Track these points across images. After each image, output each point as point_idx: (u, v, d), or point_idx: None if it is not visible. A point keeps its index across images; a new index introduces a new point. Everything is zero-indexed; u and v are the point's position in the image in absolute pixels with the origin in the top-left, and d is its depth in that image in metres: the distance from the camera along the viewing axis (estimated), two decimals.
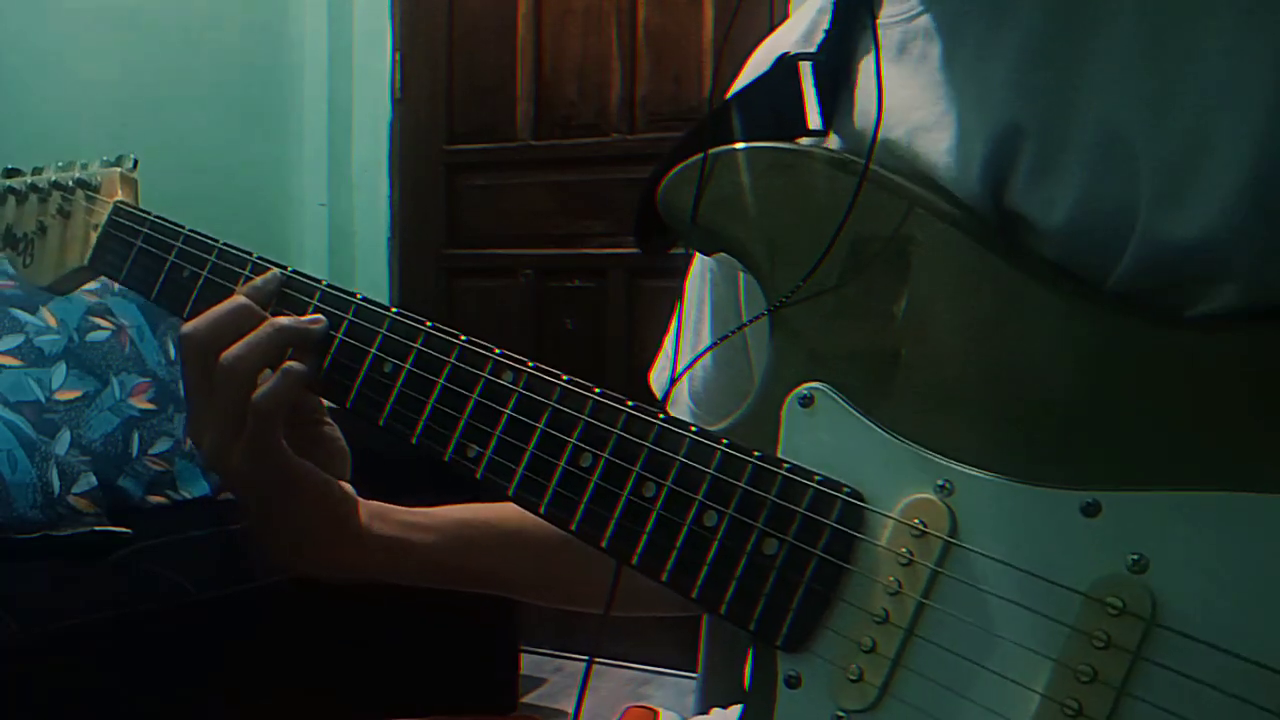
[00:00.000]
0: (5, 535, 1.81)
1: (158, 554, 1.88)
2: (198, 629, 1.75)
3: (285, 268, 0.73)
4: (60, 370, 2.15)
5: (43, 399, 2.08)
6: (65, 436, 2.06)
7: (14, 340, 2.12)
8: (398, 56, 3.13)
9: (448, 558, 0.76)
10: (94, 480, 1.96)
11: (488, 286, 3.07)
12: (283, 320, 0.68)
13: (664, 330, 0.81)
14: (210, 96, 2.88)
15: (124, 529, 1.95)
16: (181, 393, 2.32)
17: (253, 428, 0.66)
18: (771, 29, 0.78)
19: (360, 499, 0.74)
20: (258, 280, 0.71)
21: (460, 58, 3.07)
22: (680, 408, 0.80)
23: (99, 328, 2.25)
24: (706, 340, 0.79)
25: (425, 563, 0.76)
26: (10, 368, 2.08)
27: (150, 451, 2.22)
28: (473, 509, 0.79)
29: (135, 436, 2.20)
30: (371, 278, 3.18)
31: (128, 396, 2.23)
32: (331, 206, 3.17)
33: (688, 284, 0.81)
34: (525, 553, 0.77)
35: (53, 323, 2.17)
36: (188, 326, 0.68)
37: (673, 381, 0.79)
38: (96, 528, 1.92)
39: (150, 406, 2.26)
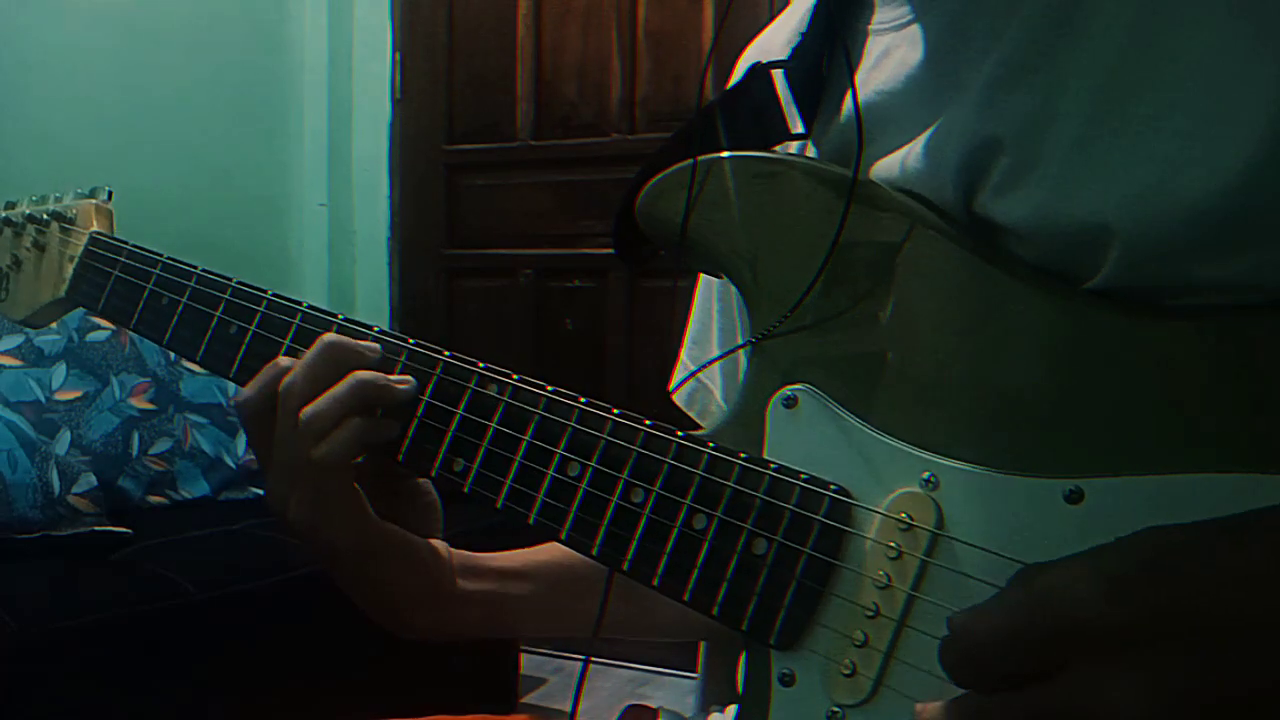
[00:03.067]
0: (5, 535, 1.81)
1: (158, 554, 1.88)
2: (198, 629, 1.75)
3: (264, 291, 0.71)
4: (60, 370, 2.16)
5: (43, 399, 2.09)
6: (65, 436, 2.06)
7: (14, 340, 2.12)
8: (398, 56, 3.13)
9: (548, 605, 0.73)
10: (94, 480, 1.97)
11: (488, 286, 3.07)
12: (363, 375, 0.63)
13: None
14: (210, 97, 2.88)
15: (124, 529, 1.95)
16: (182, 393, 2.33)
17: (319, 487, 0.63)
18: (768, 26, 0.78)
19: (453, 550, 0.71)
20: (361, 345, 0.65)
21: (460, 58, 3.07)
22: (715, 416, 0.79)
23: (99, 328, 2.25)
24: (732, 343, 0.79)
25: (525, 613, 0.73)
26: (10, 368, 2.08)
27: (150, 451, 2.22)
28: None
29: (135, 436, 2.20)
30: (371, 278, 3.18)
31: (128, 396, 2.23)
32: (331, 206, 3.18)
33: (699, 288, 0.81)
34: (630, 587, 0.74)
35: (53, 323, 2.17)
36: (245, 390, 0.65)
37: (681, 383, 0.78)
38: (96, 528, 1.92)
39: (150, 406, 2.26)
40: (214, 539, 2.04)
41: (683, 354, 0.82)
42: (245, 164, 3.00)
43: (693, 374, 0.80)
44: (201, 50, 2.85)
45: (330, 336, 0.64)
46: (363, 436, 0.63)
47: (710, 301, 0.80)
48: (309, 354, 0.64)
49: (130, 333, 2.28)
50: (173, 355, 2.38)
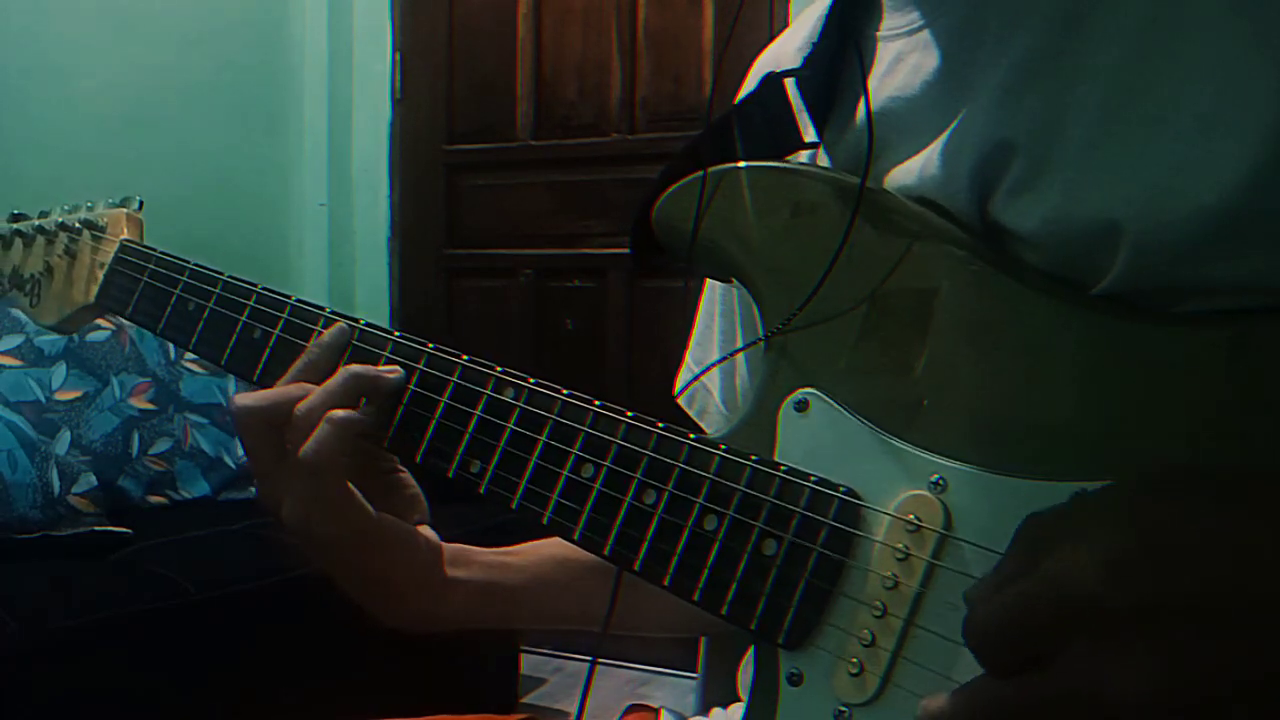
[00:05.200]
0: (5, 535, 1.81)
1: (158, 554, 1.88)
2: (198, 629, 1.75)
3: (289, 296, 0.72)
4: (60, 370, 2.15)
5: (43, 399, 2.09)
6: (65, 436, 2.06)
7: (14, 340, 2.12)
8: (398, 56, 3.13)
9: (537, 597, 0.75)
10: (94, 480, 1.97)
11: (488, 286, 3.07)
12: (355, 367, 0.66)
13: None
14: (210, 97, 2.88)
15: (124, 529, 1.95)
16: (182, 393, 2.33)
17: (315, 482, 0.64)
18: (770, 31, 0.79)
19: (443, 544, 0.73)
20: (325, 337, 0.68)
21: (460, 58, 3.07)
22: (713, 415, 0.81)
23: (99, 328, 2.25)
24: (732, 345, 0.79)
25: (515, 605, 0.74)
26: (10, 368, 2.08)
27: (150, 451, 2.22)
28: (556, 543, 0.76)
29: (135, 436, 2.20)
30: (371, 278, 3.18)
31: (128, 396, 2.23)
32: (331, 206, 3.18)
33: (705, 292, 0.82)
34: (627, 584, 0.73)
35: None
36: (249, 398, 0.66)
37: (682, 389, 0.79)
38: (96, 528, 1.92)
39: (150, 406, 2.26)
40: (214, 539, 2.04)
41: (687, 356, 0.83)
42: (245, 164, 3.00)
43: (696, 377, 0.81)
44: (201, 50, 2.85)
45: (354, 368, 0.65)
46: (347, 429, 0.64)
47: (713, 305, 0.81)
48: (332, 383, 0.65)
49: (130, 333, 2.29)
50: (173, 355, 2.37)
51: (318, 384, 0.65)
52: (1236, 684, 0.38)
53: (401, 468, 0.73)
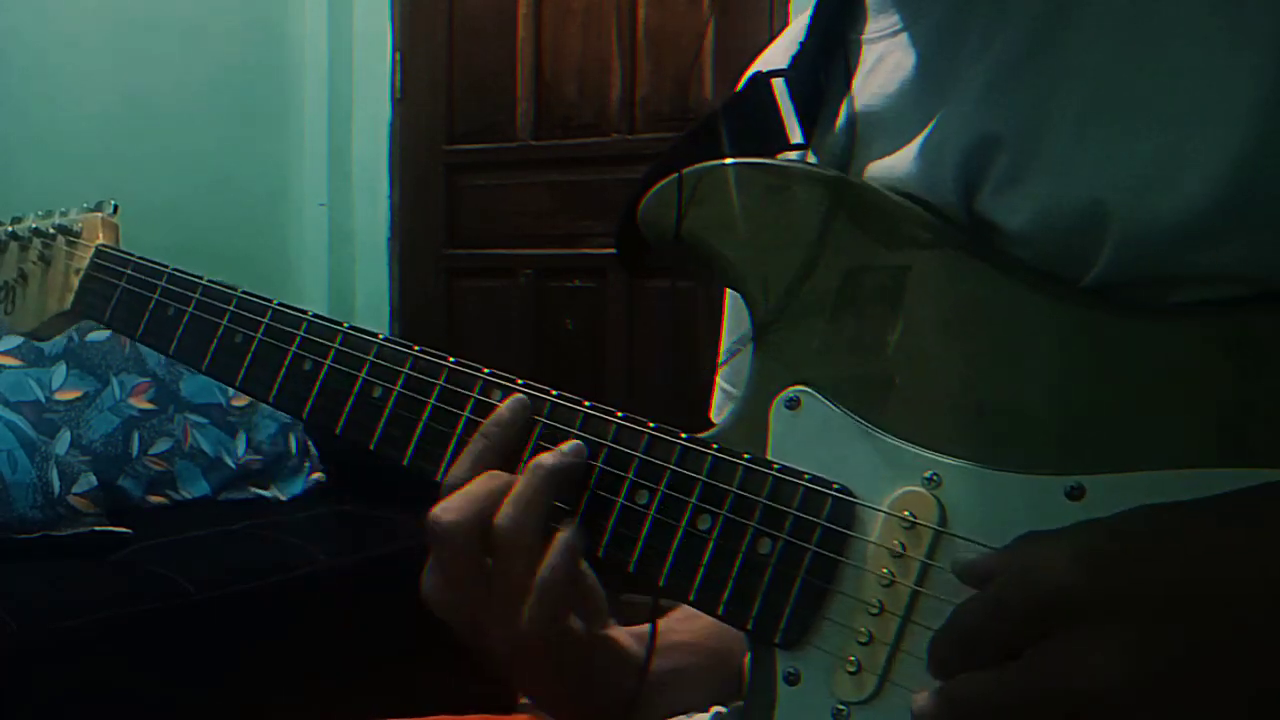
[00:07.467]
0: (5, 535, 1.82)
1: (158, 554, 1.89)
2: (197, 629, 1.75)
3: (270, 301, 0.70)
4: (60, 370, 2.16)
5: (43, 399, 2.09)
6: (65, 436, 2.06)
7: (14, 340, 2.12)
8: (398, 56, 3.13)
9: (717, 671, 0.70)
10: (94, 480, 1.97)
11: (488, 286, 3.07)
12: (546, 461, 0.58)
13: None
14: (210, 97, 2.88)
15: (124, 529, 1.95)
16: (182, 393, 2.33)
17: (545, 610, 0.57)
18: (770, 31, 0.79)
19: (624, 630, 0.66)
20: (503, 415, 0.60)
21: (460, 58, 3.08)
22: None
23: (99, 328, 2.25)
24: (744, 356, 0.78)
25: (699, 687, 0.70)
26: (10, 368, 2.09)
27: (150, 451, 2.22)
28: (703, 621, 0.69)
29: (135, 436, 2.20)
30: (371, 278, 3.18)
31: (128, 396, 2.23)
32: (331, 206, 3.18)
33: (727, 300, 0.81)
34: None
35: (60, 334, 2.18)
36: (454, 510, 0.57)
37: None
38: (96, 528, 1.92)
39: (150, 406, 2.26)
40: (214, 539, 2.04)
41: (718, 378, 0.80)
42: (245, 164, 3.00)
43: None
44: (201, 50, 2.86)
45: (547, 461, 0.58)
46: (577, 547, 0.59)
47: (730, 319, 0.80)
48: (529, 489, 0.57)
49: None
50: None
51: (509, 470, 0.59)
52: (1205, 675, 0.39)
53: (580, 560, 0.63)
